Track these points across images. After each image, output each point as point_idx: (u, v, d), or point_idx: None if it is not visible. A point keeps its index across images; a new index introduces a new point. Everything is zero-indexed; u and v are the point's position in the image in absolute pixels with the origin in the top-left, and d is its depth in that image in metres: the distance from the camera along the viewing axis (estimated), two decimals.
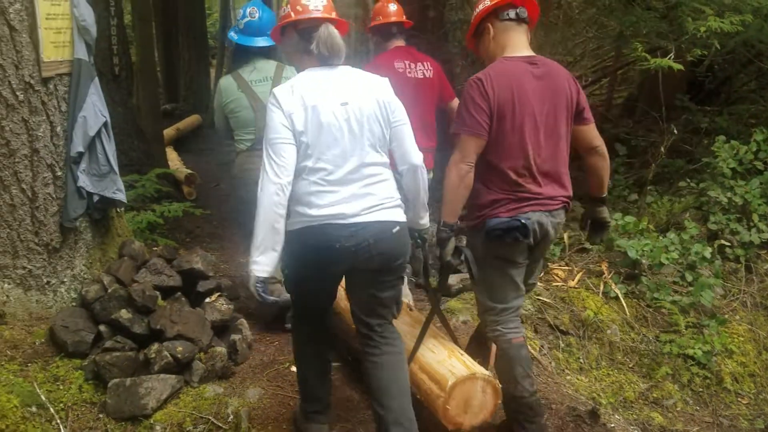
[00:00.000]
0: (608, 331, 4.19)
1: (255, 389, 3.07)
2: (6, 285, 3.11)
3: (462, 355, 2.88)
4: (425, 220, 2.84)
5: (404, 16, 4.03)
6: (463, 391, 2.64)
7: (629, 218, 4.84)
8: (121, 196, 3.38)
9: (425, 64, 3.97)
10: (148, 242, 4.20)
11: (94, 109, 3.19)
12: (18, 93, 2.98)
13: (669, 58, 4.85)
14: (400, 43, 4.02)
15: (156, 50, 9.96)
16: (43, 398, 2.75)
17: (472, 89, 2.67)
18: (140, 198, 4.82)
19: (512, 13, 2.76)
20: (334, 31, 2.51)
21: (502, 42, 2.80)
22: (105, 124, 3.25)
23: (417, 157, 2.63)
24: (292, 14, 2.56)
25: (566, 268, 4.64)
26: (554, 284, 4.42)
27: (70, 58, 3.15)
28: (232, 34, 3.69)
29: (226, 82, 3.67)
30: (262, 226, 2.38)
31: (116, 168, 3.34)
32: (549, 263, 4.68)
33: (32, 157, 3.06)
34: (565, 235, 4.95)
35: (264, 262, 2.40)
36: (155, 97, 7.67)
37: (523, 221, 2.65)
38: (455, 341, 3.07)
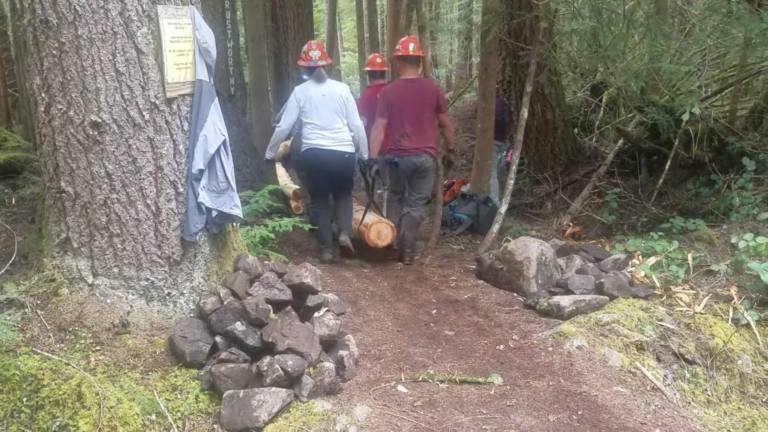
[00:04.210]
0: (739, 362, 3.85)
1: (362, 407, 3.03)
2: (130, 296, 3.26)
3: (382, 216, 6.15)
4: (365, 156, 5.79)
5: (385, 67, 7.33)
6: (377, 228, 5.80)
7: (762, 239, 4.46)
8: (238, 212, 3.47)
9: None
10: (259, 256, 4.30)
11: (214, 128, 3.30)
12: (144, 113, 3.13)
13: None
14: (381, 81, 7.00)
15: (267, 70, 10.33)
16: (162, 407, 2.84)
17: (381, 95, 5.95)
18: (253, 213, 4.96)
19: (406, 61, 5.98)
20: (322, 69, 5.61)
21: (401, 70, 6.07)
22: (224, 143, 3.36)
23: (357, 122, 5.60)
24: (304, 59, 5.80)
25: (691, 291, 4.32)
26: (678, 309, 4.12)
27: (192, 79, 3.28)
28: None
29: None
30: (274, 140, 5.84)
31: (234, 185, 3.43)
32: (671, 286, 4.38)
33: (156, 174, 3.20)
34: (689, 256, 4.62)
35: (270, 154, 5.97)
36: (267, 116, 7.94)
37: (396, 160, 5.90)
38: (381, 215, 6.26)
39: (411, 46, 5.91)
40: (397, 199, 6.23)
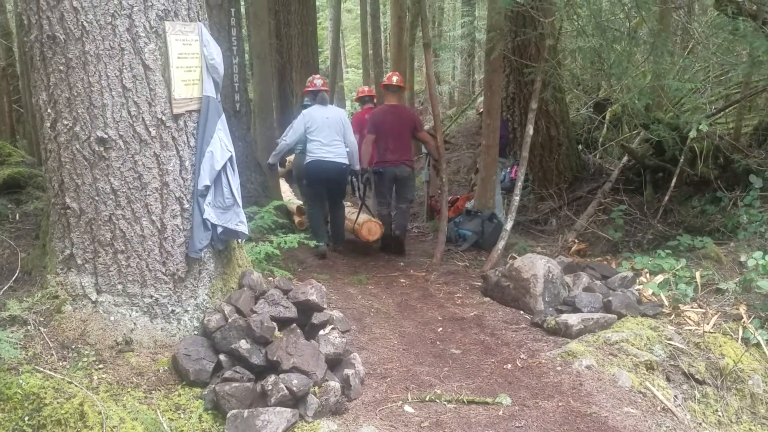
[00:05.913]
0: (749, 382, 3.80)
1: (369, 428, 2.98)
2: (134, 313, 3.22)
3: (372, 216, 7.24)
4: (357, 167, 6.84)
5: (372, 92, 8.94)
6: (368, 225, 6.92)
7: None
8: (244, 228, 3.44)
9: None
10: (264, 272, 4.26)
11: (221, 144, 3.28)
12: (151, 129, 3.12)
13: None
14: (369, 105, 8.29)
15: (271, 87, 10.36)
16: (166, 427, 2.79)
17: (369, 117, 7.25)
18: (258, 229, 4.93)
19: (389, 89, 7.29)
20: (325, 93, 6.99)
21: (385, 97, 7.39)
22: (230, 159, 3.34)
23: (352, 138, 6.69)
24: (310, 86, 7.53)
25: (699, 310, 4.27)
26: (687, 328, 4.07)
27: (199, 96, 3.27)
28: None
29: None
30: (281, 149, 6.90)
31: (240, 201, 3.41)
32: (680, 304, 4.33)
33: (162, 190, 3.18)
34: (697, 274, 4.57)
35: (273, 159, 6.97)
36: (271, 132, 7.95)
37: (381, 170, 7.04)
38: (372, 215, 7.34)
39: (394, 78, 7.34)
40: (385, 204, 7.24)
